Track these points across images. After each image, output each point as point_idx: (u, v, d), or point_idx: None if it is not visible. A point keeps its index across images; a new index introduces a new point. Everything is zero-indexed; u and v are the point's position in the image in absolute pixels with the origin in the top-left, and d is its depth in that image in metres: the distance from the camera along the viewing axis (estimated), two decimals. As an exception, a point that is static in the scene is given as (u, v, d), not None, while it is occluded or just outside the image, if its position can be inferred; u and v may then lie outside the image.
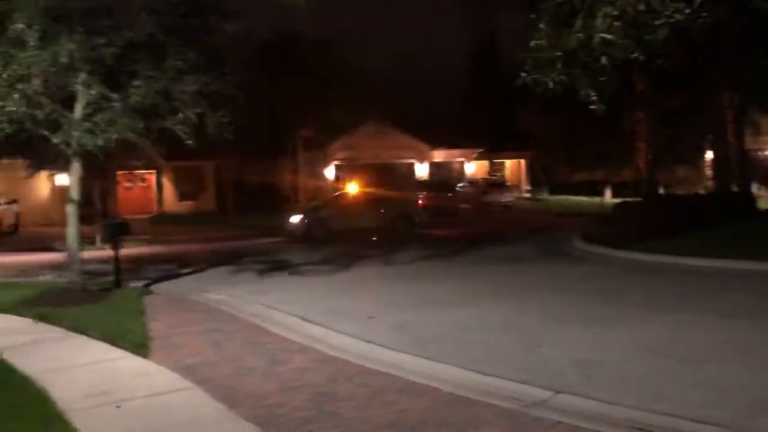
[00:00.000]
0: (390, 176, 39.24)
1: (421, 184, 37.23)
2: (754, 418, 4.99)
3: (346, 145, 37.30)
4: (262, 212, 32.91)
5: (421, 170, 40.78)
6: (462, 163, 43.39)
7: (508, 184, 40.47)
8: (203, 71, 10.71)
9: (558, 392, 5.74)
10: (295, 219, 22.74)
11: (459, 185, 37.94)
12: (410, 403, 5.63)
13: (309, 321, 9.22)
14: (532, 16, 6.87)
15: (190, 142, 10.84)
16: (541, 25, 6.64)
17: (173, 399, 5.92)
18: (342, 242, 20.06)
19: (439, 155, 42.01)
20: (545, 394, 5.73)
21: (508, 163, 45.91)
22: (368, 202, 23.62)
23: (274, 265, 15.54)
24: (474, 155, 42.92)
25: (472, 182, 39.38)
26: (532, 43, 6.59)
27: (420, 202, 25.72)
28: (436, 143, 40.93)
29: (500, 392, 5.85)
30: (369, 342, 7.84)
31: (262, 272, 14.66)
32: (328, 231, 21.81)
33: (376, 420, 5.23)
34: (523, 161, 44.95)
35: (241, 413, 5.47)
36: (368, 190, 25.59)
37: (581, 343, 7.46)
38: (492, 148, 42.15)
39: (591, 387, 5.88)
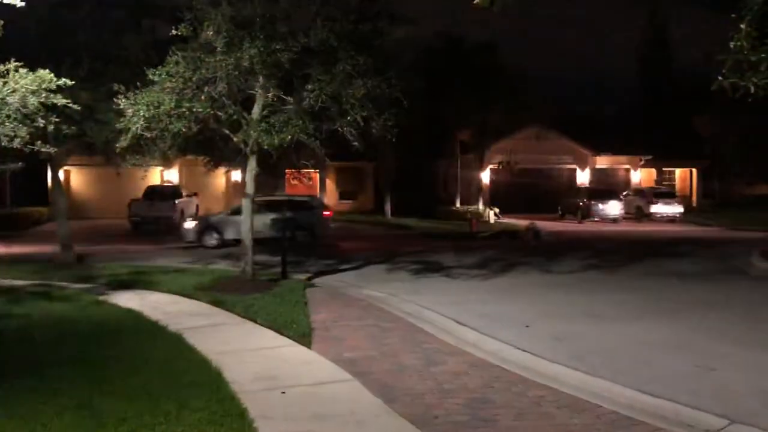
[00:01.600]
0: (549, 182, 38.22)
1: (582, 191, 35.89)
2: None
3: (505, 149, 36.76)
4: (419, 214, 33.44)
5: (583, 177, 39.26)
6: (628, 170, 41.21)
7: (677, 194, 37.81)
8: (371, 76, 11.02)
9: (734, 422, 5.28)
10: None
11: (623, 194, 36.07)
12: (569, 417, 5.44)
13: (463, 324, 9.21)
14: (733, 15, 6.33)
15: (356, 144, 11.23)
16: (742, 26, 6.10)
17: (333, 389, 6.15)
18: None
19: (602, 162, 40.21)
20: (720, 422, 5.29)
21: (678, 173, 42.95)
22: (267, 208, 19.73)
23: (427, 267, 15.68)
24: (641, 162, 40.60)
25: (638, 191, 37.26)
26: (732, 44, 6.08)
27: (328, 213, 23.04)
28: (600, 149, 39.20)
29: (669, 415, 5.49)
30: (525, 351, 7.68)
31: (416, 272, 14.85)
32: None
33: (534, 431, 5.11)
34: (695, 171, 41.87)
35: (398, 410, 5.57)
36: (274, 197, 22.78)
37: (759, 369, 6.80)
38: (661, 156, 39.63)
39: (771, 419, 5.34)
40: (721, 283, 13.35)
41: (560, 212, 35.20)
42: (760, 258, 15.31)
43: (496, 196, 36.24)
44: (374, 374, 6.65)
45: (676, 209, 33.88)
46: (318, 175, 36.93)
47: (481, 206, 34.28)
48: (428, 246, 20.94)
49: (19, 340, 8.04)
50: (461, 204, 36.45)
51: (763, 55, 5.99)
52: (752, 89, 6.28)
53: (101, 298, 10.97)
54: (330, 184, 39.61)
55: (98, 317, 9.41)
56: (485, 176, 37.46)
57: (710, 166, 40.44)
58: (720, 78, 6.25)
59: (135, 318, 9.40)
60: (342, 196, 39.80)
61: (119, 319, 9.31)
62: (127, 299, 10.80)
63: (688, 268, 15.60)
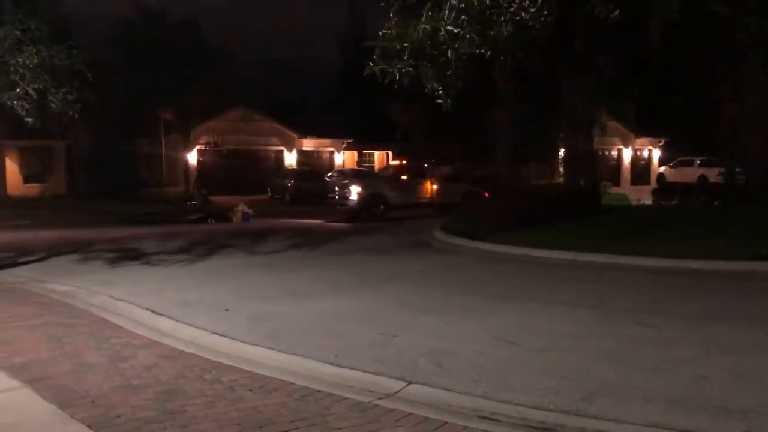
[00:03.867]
0: (258, 163, 38.52)
1: (290, 173, 36.86)
2: (592, 402, 5.26)
3: (212, 130, 36.02)
4: (119, 197, 31.18)
5: (291, 158, 40.32)
6: (332, 152, 43.37)
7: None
8: (46, 43, 9.81)
9: (410, 383, 5.78)
10: None
11: (328, 175, 37.88)
12: (261, 398, 5.45)
13: (159, 313, 8.75)
14: (381, 4, 6.83)
15: (30, 119, 9.92)
16: (390, 14, 6.61)
17: (-4, 402, 5.35)
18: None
19: (309, 144, 41.71)
20: (398, 384, 5.75)
21: (377, 155, 46.47)
22: None
23: (125, 254, 14.67)
24: (344, 145, 43.04)
25: (341, 172, 39.48)
26: (381, 33, 6.55)
27: None
28: (306, 132, 40.61)
29: (354, 384, 5.80)
30: (221, 335, 7.55)
31: (112, 261, 13.79)
32: None
33: (223, 418, 5.00)
34: (390, 152, 45.68)
35: (76, 414, 5.04)
36: None
37: (434, 333, 7.58)
38: (361, 139, 42.46)
39: (443, 377, 5.97)
40: (408, 256, 14.70)
41: (270, 193, 35.74)
42: (441, 231, 17.21)
43: (205, 177, 35.44)
44: (51, 378, 5.95)
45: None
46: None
47: (192, 189, 33.25)
48: (127, 232, 19.62)
49: None
50: (167, 186, 34.94)
51: (406, 44, 6.57)
52: (397, 76, 6.88)
53: None
54: (12, 165, 34.93)
55: None
56: (192, 157, 36.37)
57: (402, 148, 44.38)
58: (370, 64, 6.73)
59: None
60: (27, 179, 35.39)
61: None
62: None
63: (381, 242, 16.90)
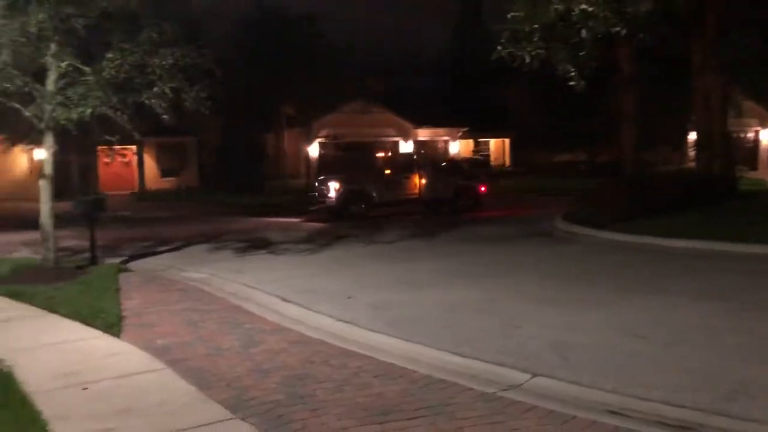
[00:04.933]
0: (374, 154, 39.06)
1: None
2: (734, 401, 4.93)
3: (331, 123, 36.92)
4: (244, 190, 32.66)
5: (406, 148, 40.58)
6: (447, 141, 43.23)
7: (493, 163, 40.39)
8: (180, 44, 10.41)
9: (535, 375, 5.67)
10: None
11: (443, 164, 37.74)
12: (386, 384, 5.53)
13: (287, 300, 9.10)
14: None
15: (166, 117, 10.58)
16: None
17: (143, 380, 5.77)
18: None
19: (424, 134, 41.79)
20: (523, 377, 5.65)
21: (492, 143, 45.84)
22: None
23: (252, 244, 15.36)
24: (459, 134, 42.77)
25: (456, 161, 39.23)
26: (509, 15, 6.38)
27: None
28: (422, 122, 40.70)
29: (478, 374, 5.77)
30: (346, 322, 7.74)
31: (241, 251, 14.48)
32: None
33: (350, 403, 5.12)
34: (507, 141, 44.91)
35: (212, 395, 5.34)
36: None
37: (558, 325, 7.38)
38: (477, 128, 42.00)
39: (568, 370, 5.80)
40: (528, 246, 14.40)
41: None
42: (563, 221, 16.71)
43: (325, 169, 36.39)
44: (189, 360, 6.34)
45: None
46: (134, 152, 34.75)
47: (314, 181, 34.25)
48: (255, 223, 20.52)
49: None
50: (289, 178, 36.22)
51: (535, 26, 6.37)
52: (527, 59, 6.67)
53: None
54: (150, 161, 37.50)
55: None
56: (313, 150, 37.44)
57: (518, 136, 43.50)
58: (499, 48, 6.57)
59: None
60: (164, 173, 37.88)
61: None
62: None
63: (499, 232, 16.65)
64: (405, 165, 22.66)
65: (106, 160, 29.77)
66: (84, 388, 5.51)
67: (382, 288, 9.82)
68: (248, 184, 33.40)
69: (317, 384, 5.60)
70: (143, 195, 33.81)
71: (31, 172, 32.18)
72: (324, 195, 21.00)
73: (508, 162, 44.64)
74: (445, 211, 21.86)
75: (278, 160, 38.99)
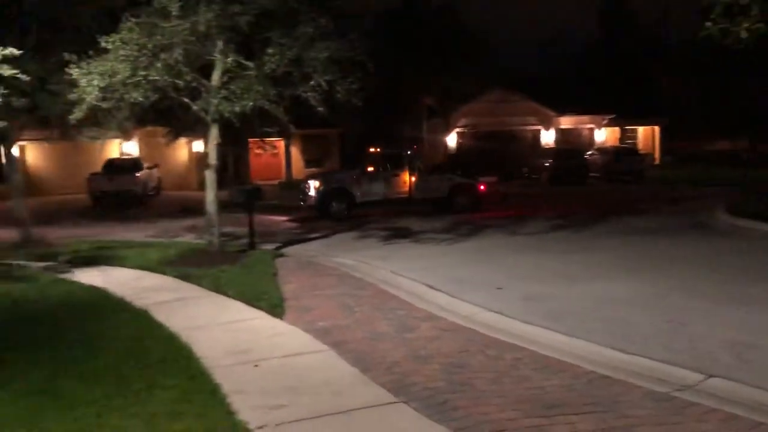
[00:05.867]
0: (514, 144, 38.33)
1: (547, 152, 36.05)
2: None
3: (469, 113, 36.63)
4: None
5: (548, 137, 39.44)
6: (591, 130, 41.50)
7: (642, 152, 38.22)
8: (334, 38, 10.73)
9: (711, 376, 5.30)
10: None
11: (588, 153, 36.33)
12: (547, 378, 5.41)
13: (435, 288, 9.15)
14: None
15: (321, 109, 10.96)
16: None
17: (308, 360, 6.03)
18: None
19: (566, 122, 40.39)
20: (696, 377, 5.31)
21: (641, 131, 43.42)
22: None
23: (396, 233, 15.58)
24: (604, 122, 40.90)
25: (602, 150, 37.58)
26: None
27: None
28: (564, 109, 39.35)
29: (645, 372, 5.49)
30: (498, 313, 7.65)
31: (385, 239, 14.75)
32: None
33: (511, 394, 5.06)
34: (657, 128, 42.35)
35: (374, 378, 5.48)
36: None
37: (728, 323, 6.87)
38: (624, 115, 39.94)
39: (747, 372, 5.38)
40: (687, 239, 13.52)
41: (526, 174, 35.36)
42: (726, 213, 15.54)
43: (458, 159, 36.21)
44: (348, 343, 6.54)
45: (638, 166, 33.90)
46: (283, 143, 36.35)
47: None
48: (397, 212, 20.81)
49: (-23, 323, 7.73)
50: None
51: None
52: (743, 34, 6.10)
53: (62, 276, 10.63)
54: (295, 152, 39.12)
55: (59, 296, 9.10)
56: (451, 140, 37.38)
57: (671, 123, 40.91)
58: (709, 24, 6.07)
59: (99, 296, 9.12)
60: (308, 164, 39.39)
61: (82, 297, 9.02)
62: (89, 276, 10.48)
63: (654, 224, 15.76)
64: (393, 161, 20.45)
65: (258, 151, 31.36)
66: (255, 365, 5.84)
67: (533, 280, 9.61)
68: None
69: (474, 373, 5.58)
70: (290, 184, 35.35)
71: (191, 163, 34.71)
72: (305, 194, 19.85)
73: (657, 151, 42.11)
74: (436, 212, 19.71)
75: (418, 150, 39.29)
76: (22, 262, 11.92)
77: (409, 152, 21.11)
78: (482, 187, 20.31)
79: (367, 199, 19.51)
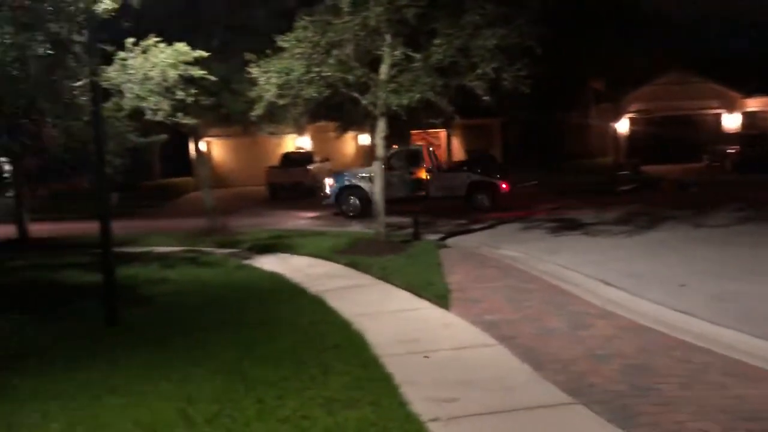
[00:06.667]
0: (691, 129, 35.49)
1: (731, 137, 33.00)
2: None
3: (642, 97, 34.42)
4: (546, 169, 32.20)
5: (731, 122, 36.10)
6: (785, 112, 37.37)
7: None
8: (500, 25, 10.50)
9: None
10: None
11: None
12: (745, 387, 4.89)
13: (609, 284, 8.68)
14: None
15: (487, 98, 10.78)
16: None
17: (477, 354, 5.95)
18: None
19: (754, 104, 36.70)
20: None
21: None
22: None
23: (563, 224, 15.00)
24: (800, 103, 36.66)
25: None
26: None
27: None
28: (751, 90, 35.76)
29: None
30: (683, 312, 7.08)
31: (552, 230, 14.26)
32: None
33: (705, 403, 4.63)
34: None
35: (547, 376, 5.27)
36: None
37: None
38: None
39: None
40: None
41: (706, 160, 32.66)
42: None
43: (634, 146, 34.19)
44: (518, 338, 6.37)
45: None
46: (444, 134, 36.45)
47: (622, 159, 32.46)
48: (563, 202, 20.08)
49: (172, 304, 8.50)
50: (595, 156, 34.79)
51: None
52: None
53: (245, 262, 11.42)
54: (456, 142, 39.09)
55: (243, 281, 9.78)
56: (622, 126, 35.41)
57: None
58: None
59: (277, 281, 9.68)
60: (469, 154, 39.20)
61: (262, 283, 9.61)
62: (269, 263, 11.17)
63: None
64: (409, 159, 19.70)
65: (420, 142, 31.68)
66: (425, 356, 5.86)
67: (719, 276, 8.82)
68: (550, 163, 32.83)
69: (660, 377, 5.19)
70: (451, 175, 35.46)
71: (357, 156, 35.88)
72: (324, 191, 19.87)
73: None
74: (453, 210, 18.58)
75: (584, 137, 37.67)
76: (209, 249, 12.97)
77: (429, 149, 20.53)
78: (504, 186, 19.40)
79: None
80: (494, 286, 8.78)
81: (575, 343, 6.20)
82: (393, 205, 18.32)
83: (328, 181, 19.85)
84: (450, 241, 13.45)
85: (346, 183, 19.22)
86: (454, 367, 5.57)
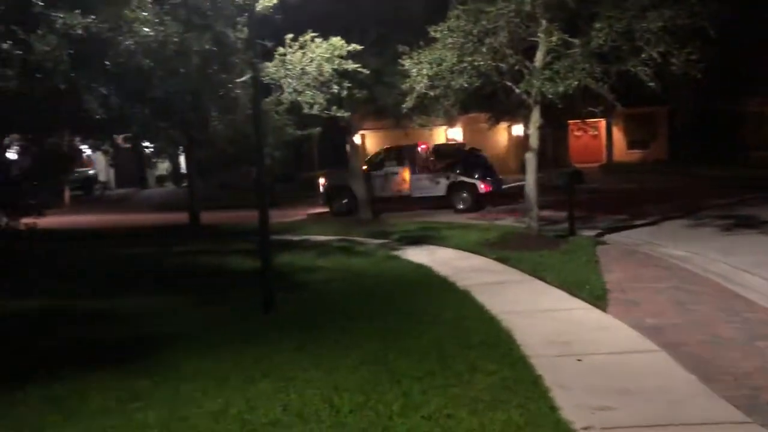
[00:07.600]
0: None
1: None
2: None
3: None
4: (719, 162, 29.62)
5: None
6: None
7: None
8: (669, 5, 9.69)
9: None
10: None
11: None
12: None
13: (795, 290, 7.74)
14: None
15: (652, 84, 10.01)
16: None
17: (637, 360, 5.52)
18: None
19: None
20: None
21: None
22: None
23: (738, 222, 13.63)
24: None
25: None
26: None
27: None
28: None
29: None
30: None
31: (725, 228, 13.01)
32: None
33: None
34: None
35: (718, 390, 4.76)
36: None
37: None
38: None
39: None
40: None
41: None
42: None
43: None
44: (684, 346, 5.82)
45: None
46: (604, 123, 34.73)
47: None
48: (738, 197, 18.33)
49: (323, 292, 8.75)
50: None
51: None
52: None
53: (394, 253, 11.53)
54: (617, 132, 37.06)
55: (391, 272, 9.85)
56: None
57: None
58: None
59: (424, 273, 9.65)
60: (631, 145, 37.00)
61: (410, 274, 9.63)
62: (417, 254, 11.19)
63: None
64: (394, 158, 19.56)
65: (578, 133, 30.45)
66: (579, 360, 5.53)
67: None
68: (726, 155, 30.12)
69: None
70: (610, 167, 33.63)
71: (510, 147, 35.15)
72: (317, 190, 20.33)
73: None
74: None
75: (764, 127, 34.19)
76: (361, 239, 13.27)
77: (414, 150, 20.03)
78: (483, 187, 18.72)
79: (367, 197, 18.67)
80: (657, 287, 8.14)
81: (752, 354, 5.56)
82: (379, 204, 18.81)
83: (320, 181, 20.33)
84: (609, 237, 12.70)
85: (335, 183, 19.58)
86: (611, 374, 5.20)
